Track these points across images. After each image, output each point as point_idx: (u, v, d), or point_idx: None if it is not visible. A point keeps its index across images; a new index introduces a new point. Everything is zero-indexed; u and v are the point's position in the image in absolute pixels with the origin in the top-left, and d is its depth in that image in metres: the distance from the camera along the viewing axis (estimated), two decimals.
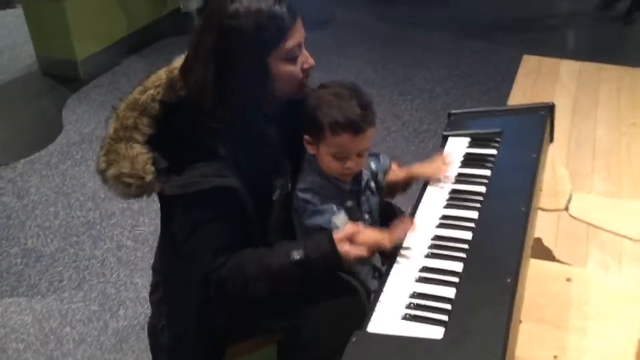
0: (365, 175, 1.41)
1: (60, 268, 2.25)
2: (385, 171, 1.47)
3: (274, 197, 1.34)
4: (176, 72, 1.30)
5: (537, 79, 2.57)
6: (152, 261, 2.20)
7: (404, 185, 1.50)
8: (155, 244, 2.28)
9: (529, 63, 2.71)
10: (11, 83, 3.64)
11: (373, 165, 1.45)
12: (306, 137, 1.32)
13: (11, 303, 2.10)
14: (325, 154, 1.31)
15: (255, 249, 1.28)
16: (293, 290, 1.26)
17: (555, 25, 4.16)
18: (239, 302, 1.31)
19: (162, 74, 1.31)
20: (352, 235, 1.22)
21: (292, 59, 1.26)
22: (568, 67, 2.66)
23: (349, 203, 1.35)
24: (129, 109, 1.28)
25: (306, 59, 1.29)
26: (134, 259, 2.29)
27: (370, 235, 1.23)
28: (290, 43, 1.24)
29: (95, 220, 2.49)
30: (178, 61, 1.33)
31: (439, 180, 1.41)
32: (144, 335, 1.96)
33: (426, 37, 4.07)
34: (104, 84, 3.60)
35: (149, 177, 1.24)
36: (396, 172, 1.49)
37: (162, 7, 4.20)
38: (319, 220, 1.29)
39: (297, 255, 1.22)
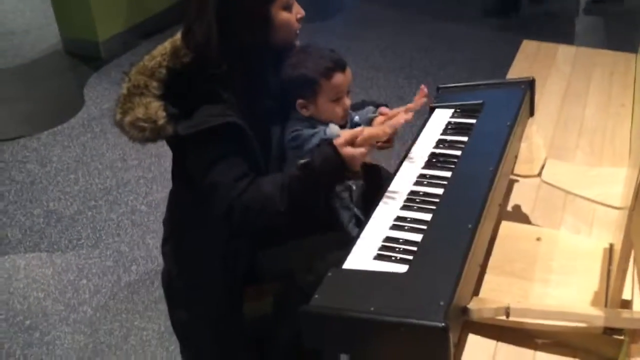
0: (349, 121, 1.55)
1: (79, 228, 2.42)
2: (371, 120, 1.59)
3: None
4: (179, 41, 1.45)
5: (533, 63, 2.66)
6: None
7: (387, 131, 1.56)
8: None
9: (528, 48, 2.81)
10: (37, 61, 3.84)
11: (357, 118, 1.58)
12: (300, 101, 1.46)
13: (33, 257, 2.28)
14: (324, 103, 1.45)
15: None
16: (305, 200, 1.38)
17: (561, 10, 4.22)
18: (260, 226, 1.44)
19: (167, 44, 1.47)
20: (351, 138, 1.35)
21: (289, 7, 1.42)
22: (564, 52, 2.75)
23: None
24: (139, 74, 1.44)
25: (298, 9, 1.46)
26: (146, 221, 2.45)
27: (367, 133, 1.35)
28: None
29: (112, 187, 2.66)
30: (180, 32, 1.47)
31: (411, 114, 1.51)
32: (153, 288, 2.13)
33: (432, 24, 4.18)
34: (124, 63, 3.76)
35: (161, 121, 1.38)
36: (380, 118, 1.58)
37: None
38: (315, 140, 1.42)
39: (302, 161, 1.35)
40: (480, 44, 3.85)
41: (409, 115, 1.41)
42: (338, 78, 1.43)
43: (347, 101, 1.47)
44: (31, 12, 4.49)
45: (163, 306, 1.98)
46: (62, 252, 2.30)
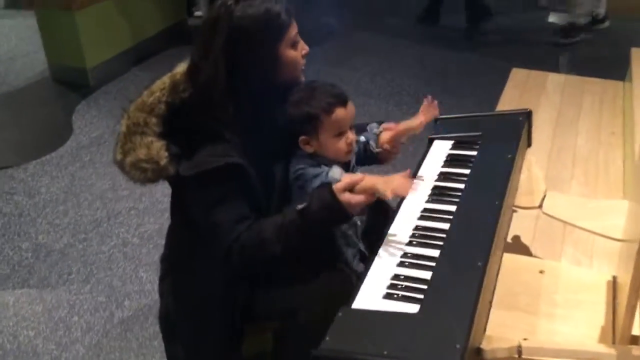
0: (352, 158, 1.53)
1: (69, 262, 2.37)
2: (377, 136, 1.59)
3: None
4: (178, 76, 1.43)
5: (523, 91, 2.71)
6: (156, 257, 2.33)
7: (397, 144, 1.59)
8: (160, 242, 2.42)
9: (517, 76, 2.86)
10: (24, 89, 3.80)
11: (363, 138, 1.58)
12: (302, 138, 1.45)
13: (22, 294, 2.22)
14: (327, 139, 1.44)
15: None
16: (302, 245, 1.36)
17: (545, 39, 4.30)
18: (258, 267, 1.42)
19: (165, 79, 1.45)
20: (351, 185, 1.32)
21: (295, 45, 1.43)
22: (554, 80, 2.80)
23: None
24: (138, 110, 1.42)
25: (303, 45, 1.46)
26: (139, 254, 2.41)
27: (370, 181, 1.32)
28: (293, 31, 1.42)
29: (102, 219, 2.62)
30: (180, 67, 1.46)
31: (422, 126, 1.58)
32: (148, 324, 2.08)
33: (420, 51, 4.23)
34: (112, 91, 3.74)
35: (163, 161, 1.37)
36: (387, 132, 1.59)
37: (168, 19, 4.35)
38: (317, 182, 1.41)
39: (300, 206, 1.33)
40: (468, 70, 3.89)
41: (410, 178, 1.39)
42: (339, 113, 1.43)
43: (351, 136, 1.46)
44: (17, 38, 4.45)
45: (158, 343, 1.94)
46: (53, 288, 2.25)
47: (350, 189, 1.32)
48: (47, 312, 2.14)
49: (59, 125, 3.40)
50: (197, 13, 4.88)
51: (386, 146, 1.58)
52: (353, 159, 1.54)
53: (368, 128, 1.61)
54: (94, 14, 3.69)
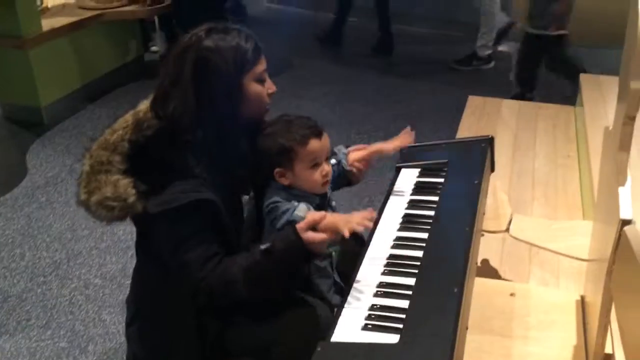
0: (329, 190, 1.54)
1: (28, 307, 2.27)
2: (347, 155, 1.65)
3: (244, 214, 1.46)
4: (141, 114, 1.43)
5: (481, 117, 2.79)
6: (120, 297, 2.27)
7: (367, 160, 1.67)
8: (123, 281, 2.36)
9: (474, 102, 2.94)
10: None
11: (333, 160, 1.61)
12: (277, 170, 1.45)
13: None
14: (302, 170, 1.44)
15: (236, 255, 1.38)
16: (268, 285, 1.35)
17: (499, 67, 4.46)
18: (225, 308, 1.41)
19: (128, 117, 1.44)
20: (313, 223, 1.31)
21: (261, 80, 1.45)
22: (509, 106, 2.90)
23: None
24: (101, 149, 1.40)
25: (270, 85, 1.48)
26: (102, 295, 2.33)
27: (331, 220, 1.32)
28: (260, 67, 1.44)
29: (62, 261, 2.53)
30: (143, 105, 1.46)
31: (396, 150, 1.67)
32: None
33: (378, 79, 4.32)
34: (68, 128, 3.66)
35: (131, 199, 1.34)
36: (358, 151, 1.66)
37: (125, 55, 4.32)
38: (285, 218, 1.41)
39: (263, 246, 1.33)
40: (426, 97, 3.99)
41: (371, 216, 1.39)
42: (314, 144, 1.44)
43: (327, 167, 1.47)
44: None
45: None
46: (11, 335, 2.14)
47: (313, 227, 1.32)
48: None
49: (12, 165, 3.30)
50: (154, 48, 4.86)
51: (357, 164, 1.64)
52: (329, 192, 1.55)
53: (336, 150, 1.65)
54: (48, 51, 3.63)
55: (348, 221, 1.31)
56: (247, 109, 1.42)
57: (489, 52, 4.54)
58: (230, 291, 1.34)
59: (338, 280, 1.53)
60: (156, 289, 1.50)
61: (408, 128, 1.71)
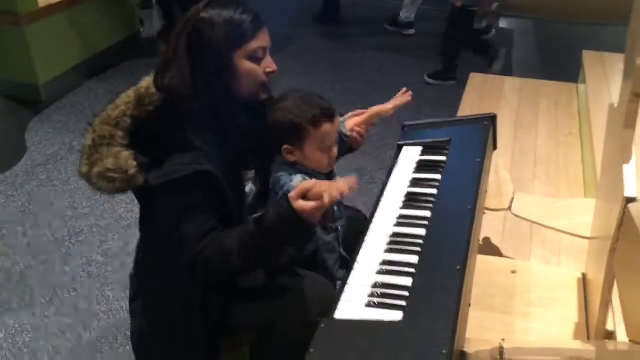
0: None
1: (31, 285, 2.28)
2: (344, 122, 1.65)
3: (248, 192, 1.46)
4: (143, 90, 1.42)
5: (483, 95, 2.77)
6: (123, 275, 2.28)
7: (366, 124, 1.69)
8: (125, 259, 2.36)
9: (475, 80, 2.92)
10: None
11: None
12: (286, 147, 1.44)
13: None
14: (312, 151, 1.44)
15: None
16: (262, 255, 1.35)
17: (500, 44, 4.42)
18: (223, 279, 1.41)
19: (130, 93, 1.43)
20: (304, 191, 1.28)
21: (255, 59, 1.40)
22: (511, 84, 2.88)
23: None
24: (103, 124, 1.40)
25: (269, 64, 1.43)
26: (104, 272, 2.34)
27: (318, 186, 1.28)
28: (254, 44, 1.39)
29: (63, 238, 2.53)
30: (145, 81, 1.44)
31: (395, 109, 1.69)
32: (118, 344, 2.02)
33: (378, 60, 4.28)
34: (66, 105, 3.64)
35: (132, 171, 1.34)
36: (356, 117, 1.67)
37: (122, 31, 4.27)
38: (284, 190, 1.41)
39: (256, 215, 1.33)
40: (424, 77, 3.96)
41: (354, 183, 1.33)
42: (326, 127, 1.43)
43: (335, 150, 1.47)
44: None
45: None
46: (14, 313, 2.16)
47: (304, 196, 1.28)
48: (11, 337, 2.06)
49: (12, 143, 3.29)
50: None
51: (357, 129, 1.65)
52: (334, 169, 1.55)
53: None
54: (44, 28, 3.59)
55: (331, 185, 1.29)
56: (240, 85, 1.40)
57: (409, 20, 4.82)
58: (226, 263, 1.33)
59: (345, 254, 1.53)
60: (159, 263, 1.50)
61: (404, 89, 1.72)
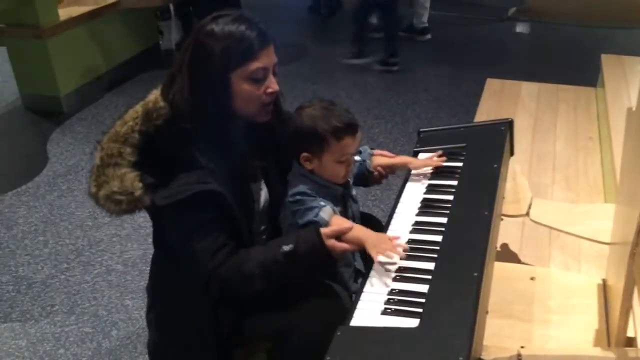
0: (350, 178, 1.54)
1: (52, 293, 2.31)
2: (371, 156, 1.64)
3: (259, 207, 1.46)
4: (151, 104, 1.40)
5: (500, 101, 2.76)
6: (142, 284, 2.30)
7: (391, 168, 1.65)
8: (144, 268, 2.39)
9: (493, 86, 2.91)
10: None
11: (358, 157, 1.60)
12: (304, 154, 1.44)
13: (5, 328, 2.15)
14: (330, 162, 1.44)
15: (250, 248, 1.38)
16: (285, 282, 1.37)
17: (516, 49, 4.39)
18: (239, 299, 1.41)
19: (138, 108, 1.40)
20: (340, 233, 1.33)
21: (255, 80, 1.36)
22: (528, 89, 2.86)
23: (337, 209, 1.48)
24: (111, 141, 1.38)
25: (270, 84, 1.38)
26: (124, 281, 2.36)
27: (358, 234, 1.33)
28: (254, 65, 1.34)
29: (84, 247, 2.56)
30: (152, 95, 1.43)
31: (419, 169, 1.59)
32: (137, 353, 2.04)
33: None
34: (87, 117, 3.70)
35: (138, 192, 1.34)
36: (384, 158, 1.64)
37: (141, 43, 4.34)
38: (309, 216, 1.41)
39: (287, 248, 1.33)
40: (442, 83, 3.95)
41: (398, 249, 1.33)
42: (347, 141, 1.43)
43: (352, 162, 1.48)
44: None
45: None
46: (36, 321, 2.19)
47: (338, 237, 1.33)
48: (32, 345, 2.08)
49: (34, 154, 3.34)
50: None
51: (380, 169, 1.62)
52: (351, 178, 1.55)
53: (362, 149, 1.63)
54: (66, 41, 3.66)
55: (377, 243, 1.31)
56: (237, 106, 1.38)
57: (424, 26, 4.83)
58: (246, 285, 1.35)
59: (360, 268, 1.53)
60: (171, 279, 1.51)
61: (440, 152, 1.62)
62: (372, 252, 1.30)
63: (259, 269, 1.34)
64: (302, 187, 1.44)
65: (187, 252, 1.36)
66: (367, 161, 1.61)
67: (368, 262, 1.35)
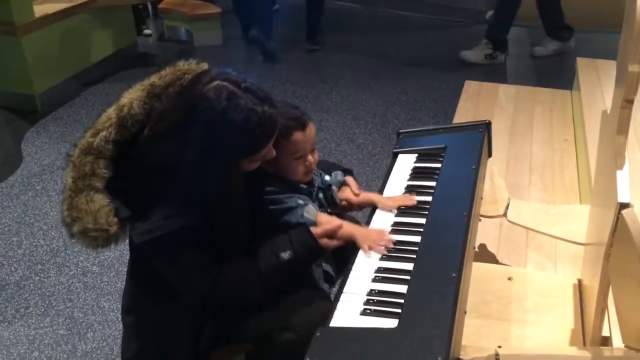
0: (316, 181, 1.53)
1: (26, 295, 2.27)
2: (340, 185, 1.59)
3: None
4: (125, 109, 1.33)
5: (478, 103, 2.78)
6: (118, 285, 2.28)
7: (359, 206, 1.59)
8: (120, 269, 2.36)
9: (470, 88, 2.93)
10: None
11: (327, 178, 1.58)
12: None
13: None
14: (287, 162, 1.43)
15: (241, 258, 1.39)
16: (282, 287, 1.42)
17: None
18: (236, 308, 1.44)
19: (111, 114, 1.34)
20: (330, 232, 1.39)
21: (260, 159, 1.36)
22: (506, 91, 2.89)
23: (315, 204, 1.48)
24: (83, 154, 1.31)
25: (270, 152, 1.35)
26: (100, 283, 2.33)
27: (347, 230, 1.40)
28: (263, 152, 1.34)
29: (59, 248, 2.52)
30: (125, 98, 1.35)
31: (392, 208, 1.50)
32: (113, 355, 2.01)
33: (375, 66, 4.29)
34: (62, 116, 3.64)
35: (113, 229, 1.30)
36: (353, 193, 1.56)
37: (118, 41, 4.28)
38: (292, 218, 1.41)
39: (286, 255, 1.36)
40: (422, 84, 3.98)
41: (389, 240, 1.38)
42: (297, 136, 1.41)
43: (311, 158, 1.46)
44: None
45: None
46: (9, 323, 2.14)
47: (330, 236, 1.39)
48: (5, 348, 2.04)
49: (7, 153, 3.28)
50: (147, 31, 4.83)
51: (344, 203, 1.57)
52: (317, 181, 1.54)
53: (333, 174, 1.60)
54: (41, 38, 3.59)
55: (365, 237, 1.37)
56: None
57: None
58: (247, 296, 1.39)
59: (328, 269, 1.54)
60: (151, 287, 1.46)
61: (411, 195, 1.52)
62: (364, 245, 1.35)
63: (259, 279, 1.36)
64: (271, 187, 1.44)
65: (174, 280, 1.37)
66: (334, 188, 1.57)
67: (343, 263, 1.36)
